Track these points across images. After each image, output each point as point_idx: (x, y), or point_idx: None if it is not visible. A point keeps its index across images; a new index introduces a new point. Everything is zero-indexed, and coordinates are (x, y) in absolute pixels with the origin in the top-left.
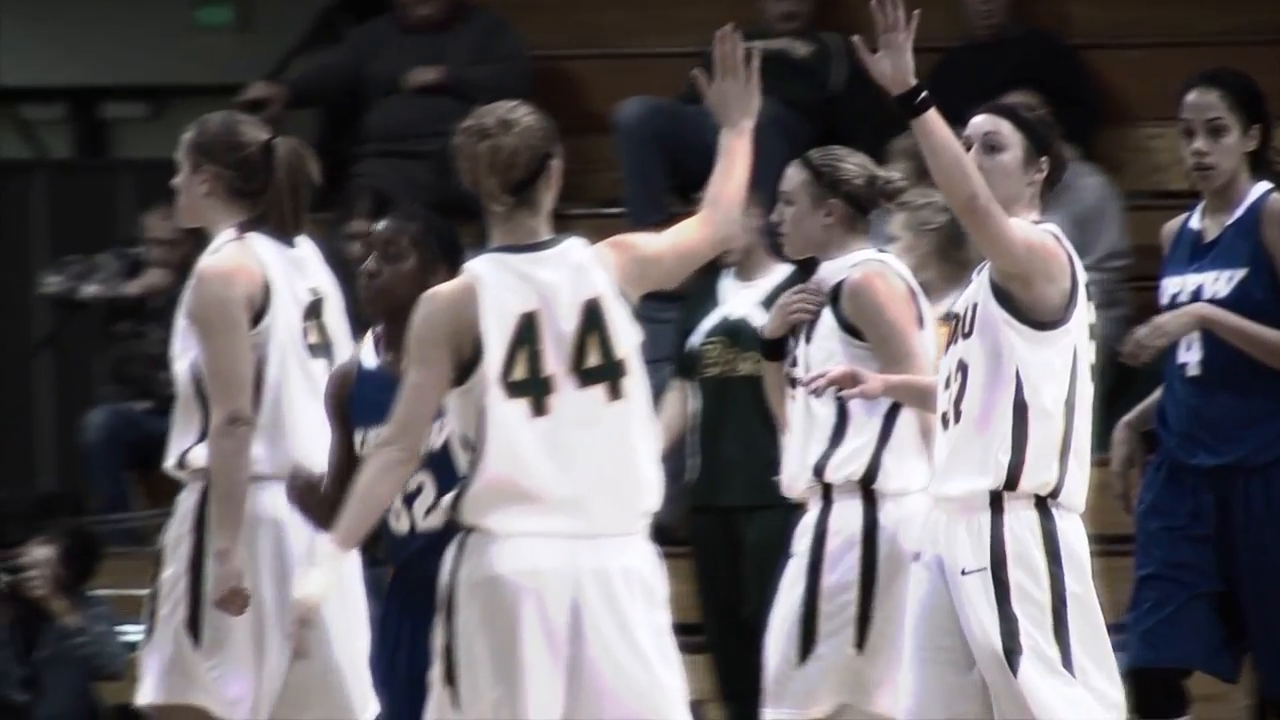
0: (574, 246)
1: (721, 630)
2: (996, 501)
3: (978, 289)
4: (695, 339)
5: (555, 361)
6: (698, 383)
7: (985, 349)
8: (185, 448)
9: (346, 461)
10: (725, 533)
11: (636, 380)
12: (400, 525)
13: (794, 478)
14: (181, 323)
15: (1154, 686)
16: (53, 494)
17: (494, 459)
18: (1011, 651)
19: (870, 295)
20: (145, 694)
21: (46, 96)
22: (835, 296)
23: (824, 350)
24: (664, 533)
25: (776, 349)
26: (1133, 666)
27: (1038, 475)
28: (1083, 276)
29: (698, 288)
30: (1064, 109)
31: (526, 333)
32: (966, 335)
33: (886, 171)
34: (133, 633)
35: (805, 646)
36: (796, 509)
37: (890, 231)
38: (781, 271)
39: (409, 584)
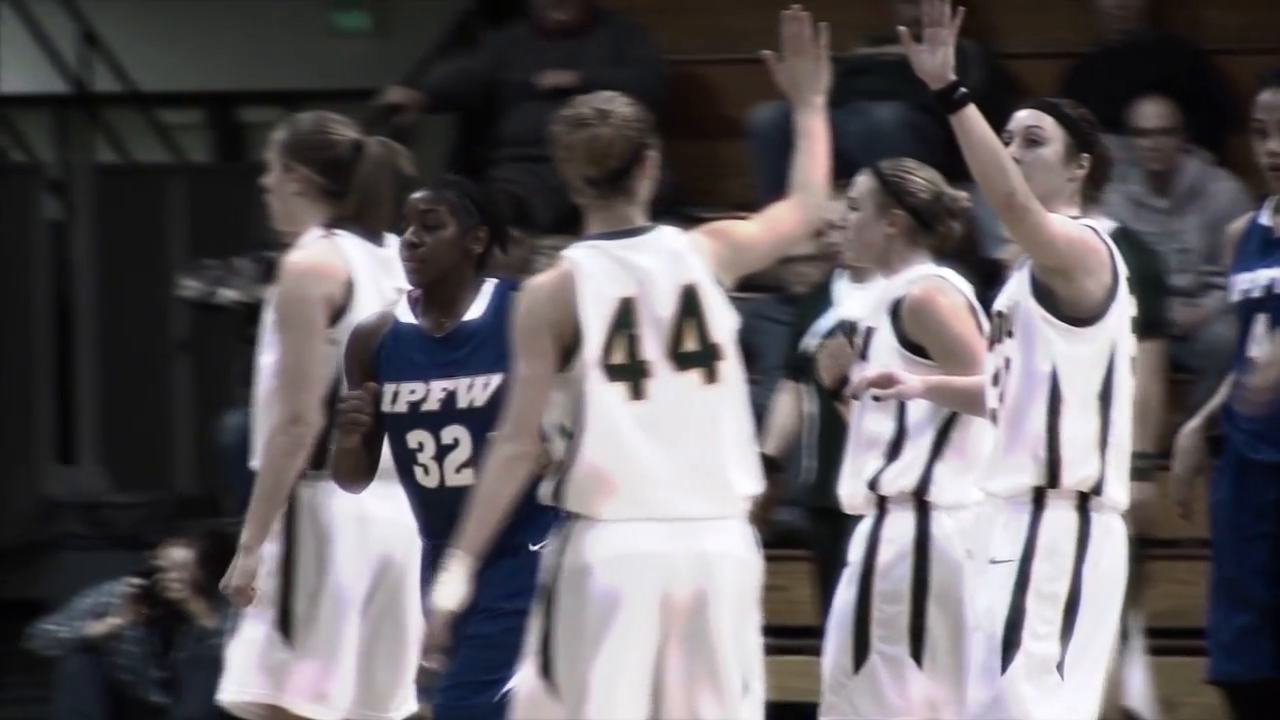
0: (669, 233)
1: None
2: (1039, 498)
3: (1018, 286)
4: (809, 340)
5: (652, 346)
6: (812, 385)
7: (1025, 346)
8: None
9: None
10: (840, 535)
11: (732, 365)
12: (429, 480)
13: (851, 493)
14: (269, 318)
15: (1245, 697)
16: (190, 496)
17: (593, 442)
18: (1010, 644)
19: (933, 310)
20: (230, 691)
21: (184, 101)
22: (895, 313)
23: (884, 363)
24: (786, 536)
25: (838, 393)
26: (1214, 679)
27: (1079, 470)
28: (1123, 270)
29: (812, 289)
30: (1197, 113)
31: (624, 317)
32: (1010, 334)
33: (954, 189)
34: None
35: (859, 655)
36: None
37: (1001, 234)
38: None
39: (435, 547)
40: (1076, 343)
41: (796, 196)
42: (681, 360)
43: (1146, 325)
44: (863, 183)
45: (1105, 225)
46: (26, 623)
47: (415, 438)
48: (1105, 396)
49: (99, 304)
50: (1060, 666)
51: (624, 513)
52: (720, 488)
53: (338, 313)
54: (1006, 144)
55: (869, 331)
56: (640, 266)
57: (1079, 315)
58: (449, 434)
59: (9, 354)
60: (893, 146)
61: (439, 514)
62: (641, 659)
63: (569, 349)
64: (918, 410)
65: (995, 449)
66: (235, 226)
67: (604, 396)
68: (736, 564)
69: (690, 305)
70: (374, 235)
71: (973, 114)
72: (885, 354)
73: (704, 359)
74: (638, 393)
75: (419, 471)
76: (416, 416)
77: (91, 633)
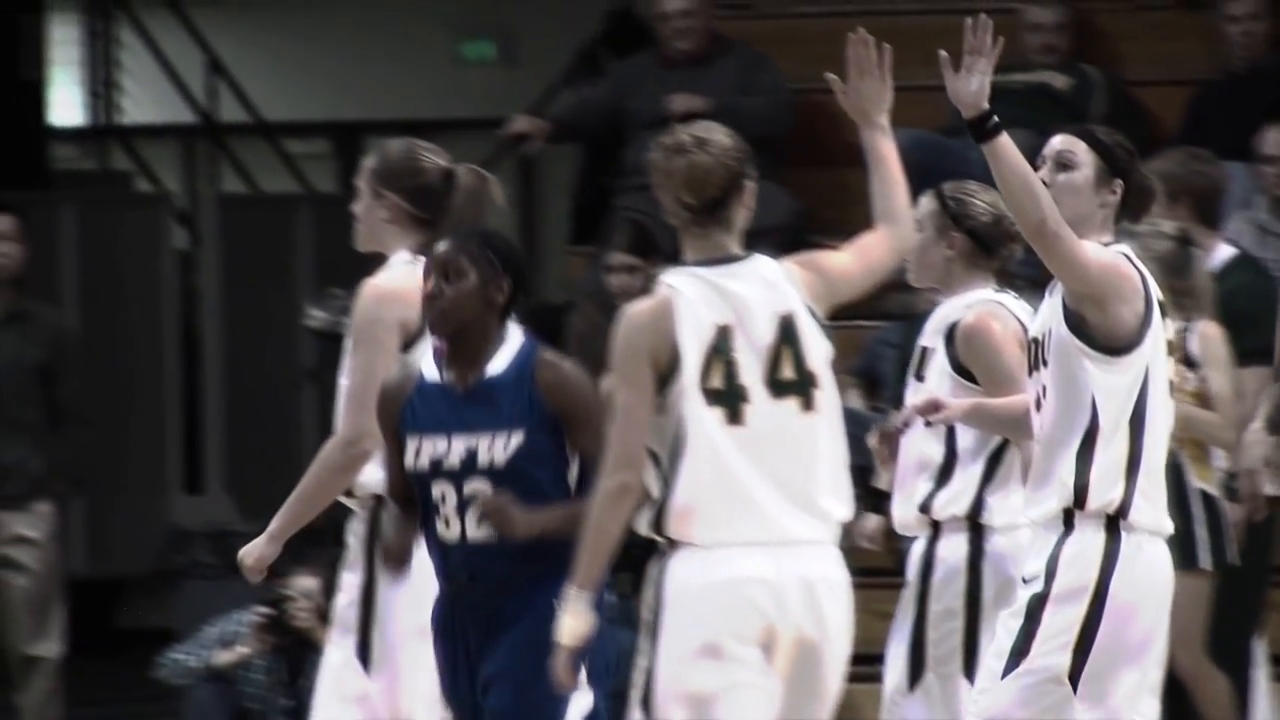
0: (765, 263)
1: None
2: (1069, 520)
3: (1051, 313)
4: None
5: (750, 373)
6: None
7: (1060, 374)
8: None
9: (402, 475)
10: None
11: (828, 394)
12: (450, 533)
13: (904, 515)
14: (349, 339)
15: None
16: (317, 525)
17: (694, 467)
18: (1019, 653)
19: (984, 338)
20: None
21: (310, 131)
22: (949, 336)
23: (938, 390)
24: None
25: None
26: None
27: (1104, 494)
28: (1156, 295)
29: (919, 315)
30: None
31: (722, 344)
32: (1045, 362)
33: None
34: None
35: (914, 674)
36: None
37: None
38: None
39: (453, 601)
40: (1112, 372)
41: (883, 225)
42: (779, 388)
43: (1258, 352)
44: (924, 204)
45: (1224, 252)
46: (155, 652)
47: (438, 489)
48: (1136, 422)
49: (226, 334)
50: (1075, 679)
51: (727, 538)
52: (816, 513)
53: (412, 338)
54: (1037, 169)
55: (925, 353)
56: (737, 294)
57: (1113, 344)
58: (471, 488)
59: (137, 383)
60: None
61: (459, 565)
62: (751, 684)
63: (665, 376)
64: (967, 435)
65: (1033, 477)
66: (362, 256)
67: (703, 421)
68: (836, 588)
69: (787, 333)
70: None
71: (1005, 143)
72: (938, 377)
73: (801, 387)
74: (736, 418)
75: (440, 524)
76: (440, 472)
77: (219, 662)
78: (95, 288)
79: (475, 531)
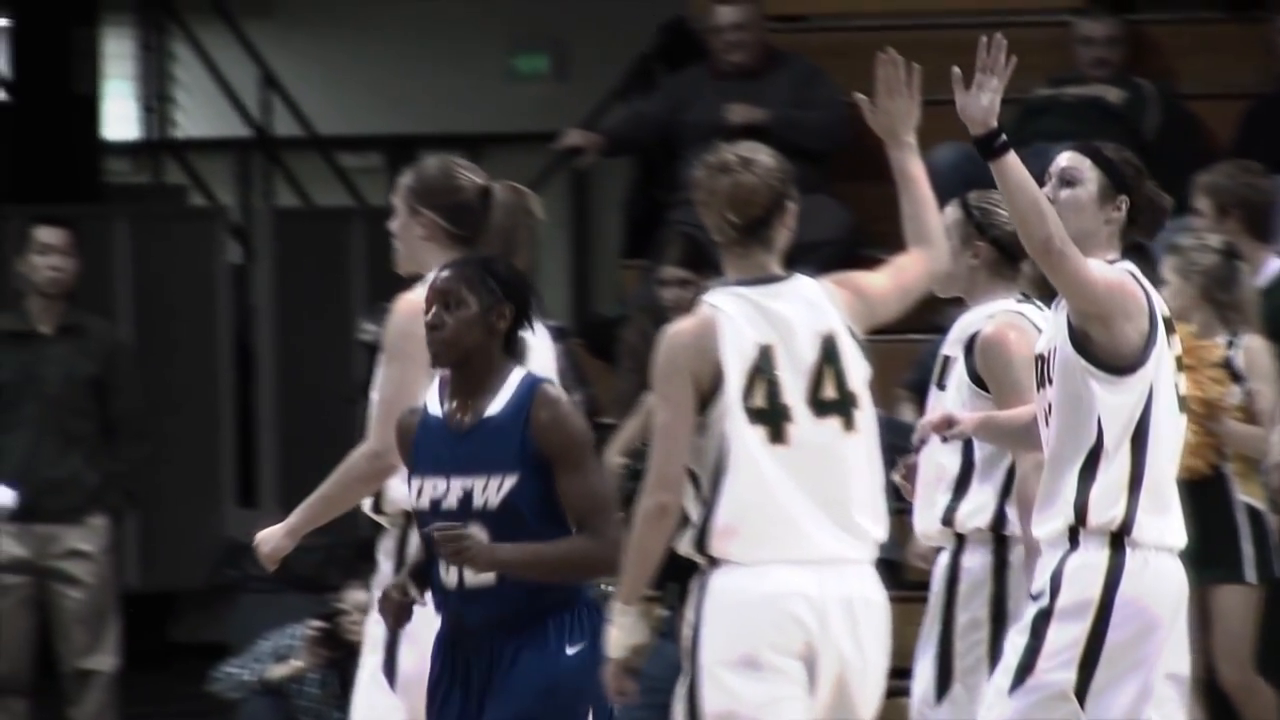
0: (806, 283)
1: None
2: (1074, 538)
3: (1056, 331)
4: None
5: (792, 392)
6: None
7: (1064, 393)
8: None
9: None
10: None
11: (867, 414)
12: (449, 578)
13: (925, 525)
14: (382, 353)
15: None
16: (370, 539)
17: (737, 486)
18: (1025, 669)
19: (998, 349)
20: None
21: (364, 145)
22: (969, 347)
23: (956, 399)
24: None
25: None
26: None
27: (1104, 512)
28: (1162, 311)
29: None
30: None
31: (764, 363)
32: (1050, 380)
33: None
34: None
35: (942, 685)
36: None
37: (1161, 274)
38: None
39: (454, 643)
40: (1116, 391)
41: (916, 247)
42: (821, 407)
43: None
44: (950, 213)
45: (1276, 265)
46: (209, 665)
47: None
48: (1139, 440)
49: (279, 347)
50: (1081, 695)
51: (768, 555)
52: (855, 532)
53: None
54: (1042, 186)
55: (947, 362)
56: (780, 314)
57: (1117, 363)
58: (470, 530)
59: (191, 397)
60: None
61: (455, 609)
62: (793, 696)
63: (707, 395)
64: (984, 446)
65: (1040, 495)
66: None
67: (746, 439)
68: (874, 607)
69: (829, 353)
70: None
71: (1012, 161)
72: (956, 387)
73: (842, 406)
74: (779, 437)
75: (441, 567)
76: (438, 514)
77: (273, 675)
78: (149, 301)
79: (473, 577)
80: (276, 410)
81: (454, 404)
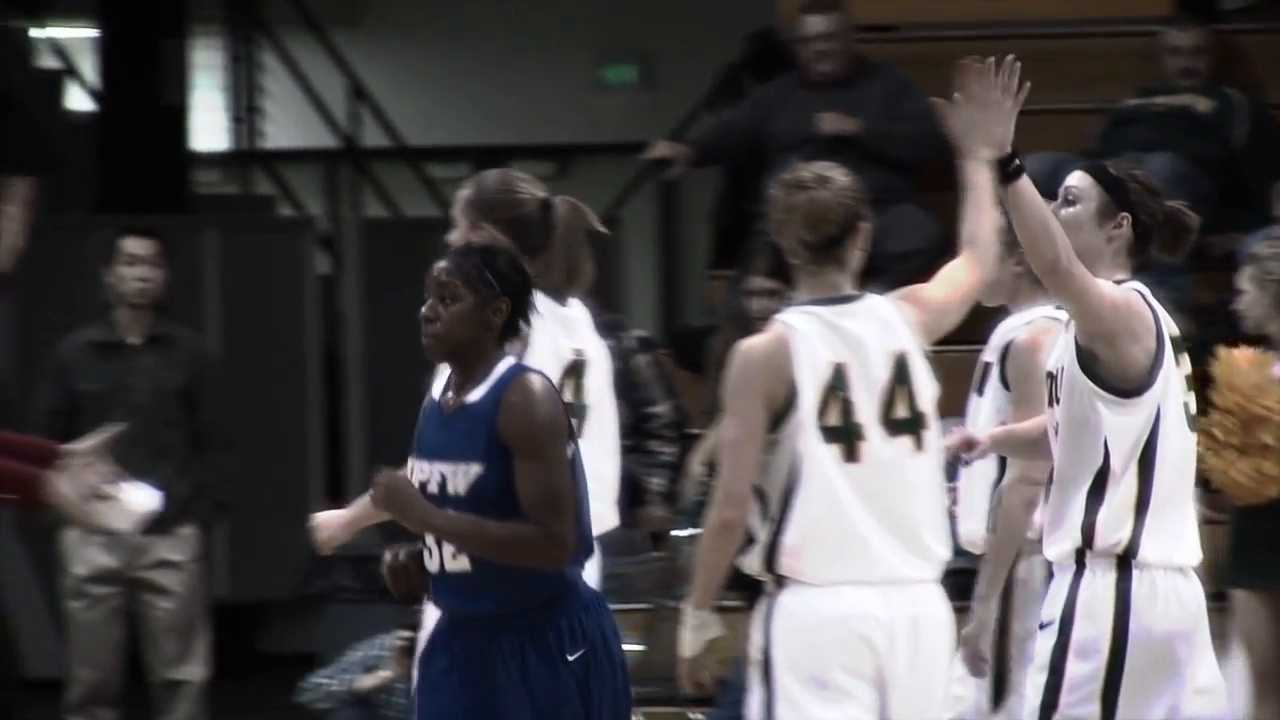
0: (879, 302)
1: None
2: (1080, 560)
3: (1064, 352)
4: None
5: (865, 411)
6: None
7: (1071, 414)
8: None
9: None
10: None
11: (935, 434)
12: (431, 564)
13: (970, 533)
14: None
15: None
16: None
17: (808, 504)
18: (1048, 706)
19: (1025, 357)
20: None
21: (452, 155)
22: (1005, 352)
23: (991, 405)
24: None
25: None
26: None
27: (1110, 535)
28: (1169, 332)
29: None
30: None
31: (838, 381)
32: (1058, 400)
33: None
34: None
35: (997, 696)
36: None
37: (1239, 284)
38: None
39: (450, 633)
40: (1123, 413)
41: (970, 252)
42: (893, 427)
43: None
44: None
45: None
46: (297, 676)
47: None
48: (1146, 461)
49: (367, 357)
50: None
51: (837, 576)
52: (922, 552)
53: None
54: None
55: (986, 368)
56: (852, 333)
57: (1124, 384)
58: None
59: (280, 407)
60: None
61: (442, 594)
62: (865, 715)
63: (780, 410)
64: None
65: (1048, 516)
66: None
67: (820, 458)
68: (940, 625)
69: (901, 373)
70: (557, 294)
71: (1026, 185)
72: (991, 393)
73: (913, 426)
74: (852, 455)
75: (426, 552)
76: (427, 498)
77: (362, 686)
78: (237, 312)
79: (451, 563)
80: (364, 420)
81: (449, 391)
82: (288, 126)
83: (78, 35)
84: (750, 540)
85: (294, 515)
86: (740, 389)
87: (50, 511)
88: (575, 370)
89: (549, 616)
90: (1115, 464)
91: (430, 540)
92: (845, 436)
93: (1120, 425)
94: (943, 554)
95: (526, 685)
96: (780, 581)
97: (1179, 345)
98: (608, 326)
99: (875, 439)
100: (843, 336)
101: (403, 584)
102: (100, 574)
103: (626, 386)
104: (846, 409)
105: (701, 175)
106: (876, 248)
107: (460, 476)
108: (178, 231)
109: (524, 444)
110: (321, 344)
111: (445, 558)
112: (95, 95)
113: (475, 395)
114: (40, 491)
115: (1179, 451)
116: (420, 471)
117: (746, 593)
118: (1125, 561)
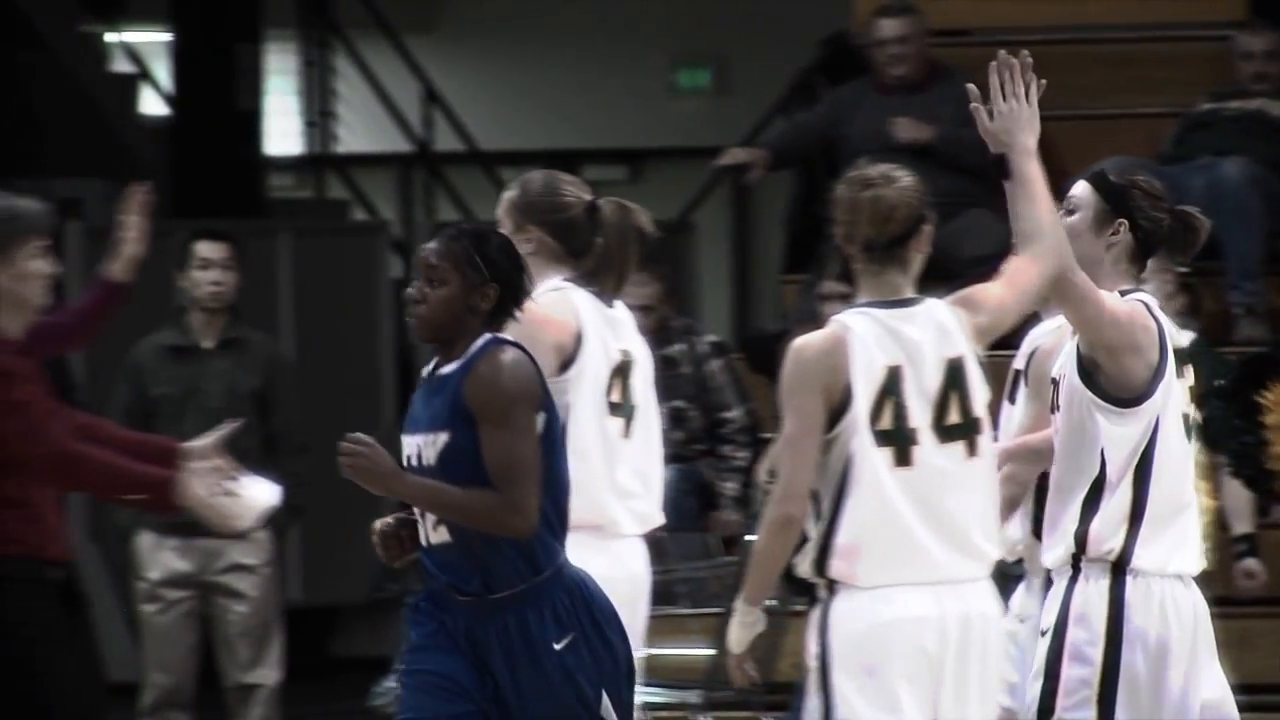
0: (937, 306)
1: None
2: (1075, 563)
3: (1066, 359)
4: None
5: (919, 416)
6: None
7: (1069, 422)
8: None
9: None
10: None
11: (989, 438)
12: (420, 536)
13: (1013, 536)
14: None
15: None
16: None
17: (860, 507)
18: (1046, 712)
19: (1047, 363)
20: None
21: (525, 160)
22: (1030, 358)
23: (1023, 411)
24: None
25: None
26: None
27: (1102, 543)
28: (1172, 344)
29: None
30: None
31: (892, 385)
32: (1059, 406)
33: None
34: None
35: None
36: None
37: None
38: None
39: (443, 604)
40: (1121, 423)
41: (1029, 248)
42: (945, 432)
43: None
44: None
45: None
46: (370, 680)
47: None
48: (1142, 472)
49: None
50: None
51: (890, 578)
52: (973, 554)
53: (566, 362)
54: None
55: (1016, 376)
56: (909, 338)
57: (1123, 394)
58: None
59: (353, 411)
60: (1237, 201)
61: (430, 567)
62: (923, 716)
63: (836, 409)
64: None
65: (1045, 523)
66: None
67: (872, 460)
68: (992, 621)
69: (955, 378)
70: (604, 295)
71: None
72: (1022, 399)
73: (967, 431)
74: (904, 459)
75: (419, 525)
76: (408, 470)
77: None
78: (311, 315)
79: (433, 534)
80: None
81: (433, 369)
82: (361, 131)
83: (152, 40)
84: (803, 540)
85: (367, 519)
86: (797, 385)
87: (181, 513)
88: (622, 370)
89: (534, 603)
90: (1111, 473)
91: (418, 512)
92: (898, 440)
93: (1117, 435)
94: (993, 553)
95: (512, 675)
96: (832, 586)
97: (1183, 357)
98: (681, 331)
99: (927, 444)
100: (899, 340)
101: (394, 550)
102: (174, 578)
103: (700, 391)
104: (900, 413)
105: (775, 180)
106: (950, 252)
107: (431, 446)
108: (251, 236)
109: (487, 411)
110: (394, 347)
111: (429, 529)
112: (169, 100)
113: (450, 368)
114: (174, 494)
115: (1177, 462)
116: (406, 447)
117: (810, 596)
118: (1119, 568)
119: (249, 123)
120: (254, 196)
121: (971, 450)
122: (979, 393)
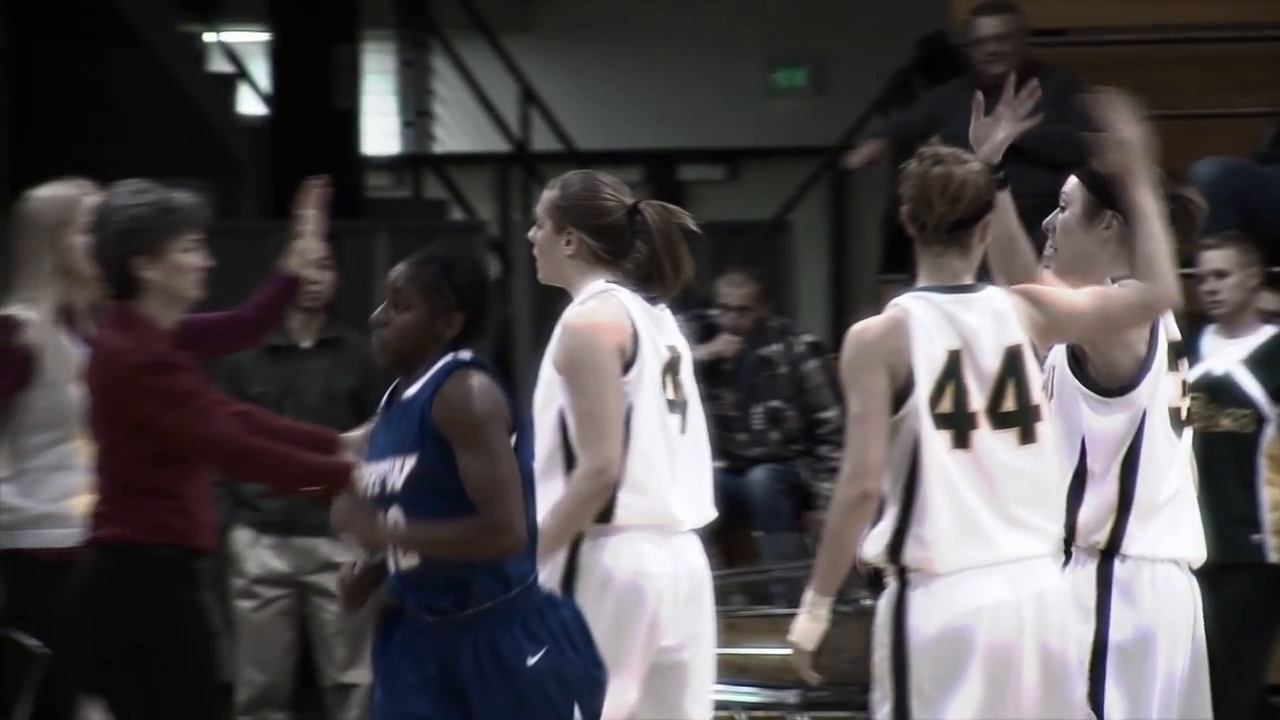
0: (996, 294)
1: None
2: (1068, 550)
3: (1056, 351)
4: None
5: (976, 401)
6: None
7: (1059, 413)
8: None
9: None
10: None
11: (1048, 426)
12: (390, 563)
13: None
14: (547, 373)
15: None
16: None
17: (929, 491)
18: None
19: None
20: None
21: (623, 159)
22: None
23: (1056, 407)
24: None
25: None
26: None
27: (1090, 534)
28: (1165, 336)
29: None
30: None
31: (952, 369)
32: (1052, 394)
33: None
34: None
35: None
36: (1266, 569)
37: None
38: (1267, 331)
39: (414, 630)
40: (1105, 413)
41: (1144, 282)
42: (1000, 419)
43: None
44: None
45: None
46: None
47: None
48: (1129, 464)
49: (538, 360)
50: (1096, 705)
51: (962, 563)
52: (1037, 530)
53: (626, 365)
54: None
55: (1053, 371)
56: (967, 324)
57: (1110, 385)
58: (391, 517)
59: None
60: None
61: (401, 591)
62: (1002, 702)
63: (900, 390)
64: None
65: None
66: None
67: (933, 444)
68: (1064, 594)
69: (1012, 366)
70: (651, 296)
71: (1004, 199)
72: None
73: (1022, 419)
74: (962, 442)
75: (383, 561)
76: (375, 499)
77: None
78: None
79: (402, 560)
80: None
81: (391, 395)
82: (458, 131)
83: (250, 40)
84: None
85: None
86: (861, 365)
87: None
88: (672, 367)
89: (504, 620)
90: (1093, 463)
91: None
92: (957, 423)
93: (1099, 426)
94: (1055, 530)
95: (485, 693)
96: (903, 574)
97: (1177, 350)
98: (778, 331)
99: (983, 429)
100: (957, 326)
101: (357, 597)
102: (270, 576)
103: (797, 392)
104: (960, 397)
105: (872, 179)
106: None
107: (396, 471)
108: (349, 235)
109: (462, 434)
110: (492, 346)
111: (398, 555)
112: (267, 100)
113: (412, 391)
114: (355, 484)
115: (1166, 454)
116: (368, 476)
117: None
118: (1109, 555)
119: (347, 123)
120: (351, 196)
121: (1025, 437)
122: (1035, 381)
